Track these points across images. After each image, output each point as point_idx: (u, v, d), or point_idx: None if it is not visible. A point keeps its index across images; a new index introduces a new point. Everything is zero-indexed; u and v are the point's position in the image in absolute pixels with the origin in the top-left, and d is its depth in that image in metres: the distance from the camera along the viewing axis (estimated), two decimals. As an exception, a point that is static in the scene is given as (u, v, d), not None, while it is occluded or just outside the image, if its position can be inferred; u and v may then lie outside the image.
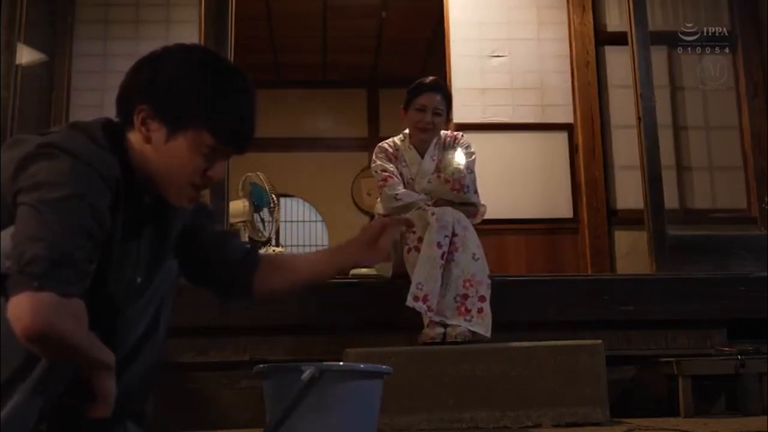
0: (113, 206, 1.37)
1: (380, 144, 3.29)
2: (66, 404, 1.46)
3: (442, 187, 3.12)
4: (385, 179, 3.15)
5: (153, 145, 1.44)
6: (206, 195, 3.56)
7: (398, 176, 3.18)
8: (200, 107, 1.43)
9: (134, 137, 1.46)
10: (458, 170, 3.13)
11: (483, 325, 2.80)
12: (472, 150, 3.22)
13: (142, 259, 1.52)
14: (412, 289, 2.80)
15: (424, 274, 2.81)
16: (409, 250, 2.92)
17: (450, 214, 2.93)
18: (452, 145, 3.24)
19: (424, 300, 2.78)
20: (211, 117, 1.44)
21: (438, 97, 3.17)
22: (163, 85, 1.44)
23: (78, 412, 1.52)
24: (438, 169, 3.21)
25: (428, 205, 3.03)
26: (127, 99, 1.47)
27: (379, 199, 3.23)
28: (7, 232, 1.28)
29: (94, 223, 1.30)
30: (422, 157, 3.22)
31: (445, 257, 2.84)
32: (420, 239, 2.89)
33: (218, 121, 1.45)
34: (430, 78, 3.27)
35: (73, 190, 1.28)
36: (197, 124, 1.43)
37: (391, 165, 3.20)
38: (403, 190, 3.14)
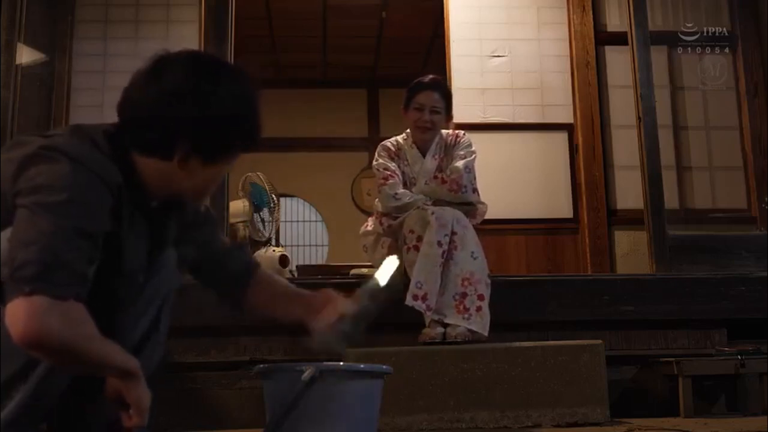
0: (116, 211, 1.37)
1: (383, 143, 3.30)
2: (66, 404, 1.46)
3: (439, 188, 3.13)
4: (386, 178, 3.15)
5: (188, 171, 1.44)
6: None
7: (399, 176, 3.18)
8: (238, 134, 1.47)
9: (153, 163, 1.43)
10: (456, 170, 3.13)
11: (481, 324, 2.80)
12: (473, 149, 3.22)
13: (143, 260, 1.52)
14: (412, 288, 2.80)
15: (423, 273, 2.81)
16: (408, 249, 2.92)
17: (449, 213, 2.94)
18: (454, 144, 3.25)
19: (423, 299, 2.79)
20: (244, 137, 1.49)
21: (436, 96, 3.18)
22: (203, 124, 1.42)
23: (78, 412, 1.52)
24: (440, 169, 3.21)
25: (427, 205, 3.03)
26: (157, 134, 1.42)
27: (377, 198, 3.24)
28: (6, 234, 1.28)
29: (94, 226, 1.30)
30: (424, 156, 3.23)
31: (444, 256, 2.85)
32: (419, 238, 2.90)
33: (249, 137, 1.49)
34: (429, 76, 3.27)
35: (72, 194, 1.27)
36: (235, 147, 1.49)
37: (393, 164, 3.20)
38: (403, 190, 3.14)
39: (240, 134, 1.47)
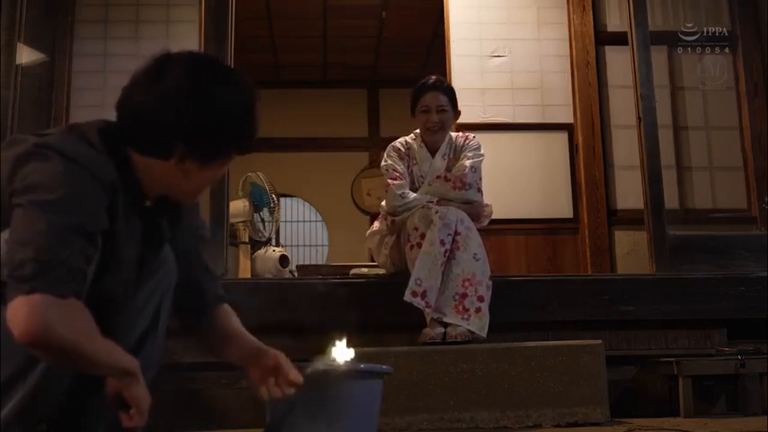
0: (111, 208, 1.36)
1: (392, 143, 3.31)
2: (67, 404, 1.46)
3: (442, 186, 3.13)
4: (393, 179, 3.16)
5: (184, 172, 1.45)
6: (207, 195, 3.55)
7: (407, 177, 3.19)
8: (234, 137, 1.48)
9: (149, 161, 1.44)
10: (461, 167, 3.13)
11: (479, 325, 2.80)
12: (482, 152, 3.23)
13: (140, 258, 1.51)
14: (411, 284, 2.81)
15: (424, 270, 2.82)
16: (412, 247, 2.93)
17: (454, 213, 2.94)
18: (463, 146, 3.25)
19: (423, 296, 2.79)
20: (240, 141, 1.49)
21: (440, 95, 3.19)
22: (201, 126, 1.42)
23: (78, 411, 1.52)
24: (449, 169, 3.21)
25: (432, 204, 3.04)
26: (156, 133, 1.42)
27: (383, 199, 3.24)
28: (6, 235, 1.28)
29: (89, 224, 1.30)
30: (433, 156, 3.23)
31: (447, 255, 2.85)
32: (422, 236, 2.90)
33: (245, 140, 1.50)
34: (431, 78, 3.29)
35: (66, 192, 1.27)
36: (231, 149, 1.49)
37: (402, 165, 3.21)
38: (409, 191, 3.15)
39: (236, 136, 1.48)
